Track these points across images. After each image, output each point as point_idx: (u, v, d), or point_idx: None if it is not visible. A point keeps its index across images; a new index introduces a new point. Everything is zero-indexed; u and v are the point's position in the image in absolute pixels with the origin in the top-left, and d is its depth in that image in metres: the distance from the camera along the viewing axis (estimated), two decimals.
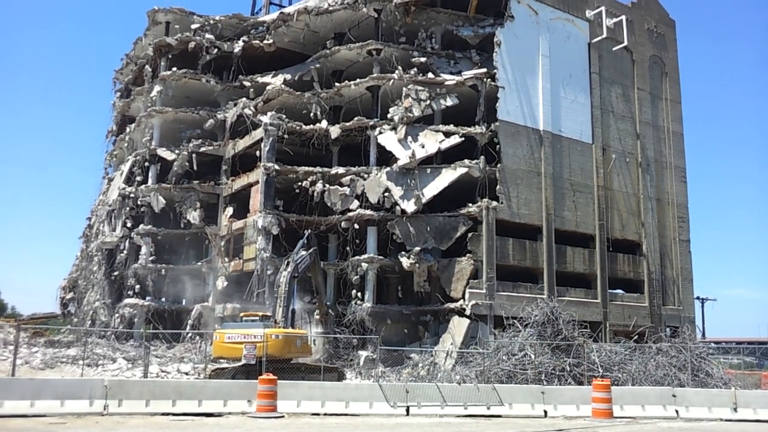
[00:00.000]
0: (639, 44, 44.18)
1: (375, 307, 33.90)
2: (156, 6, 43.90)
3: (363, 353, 30.95)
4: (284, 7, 54.03)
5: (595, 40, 41.32)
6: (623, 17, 42.18)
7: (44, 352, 31.29)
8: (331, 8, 38.92)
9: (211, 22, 43.12)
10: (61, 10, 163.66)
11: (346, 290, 34.92)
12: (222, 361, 24.66)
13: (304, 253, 27.45)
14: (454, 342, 31.42)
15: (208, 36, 42.40)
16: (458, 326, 32.54)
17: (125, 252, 41.57)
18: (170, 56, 42.84)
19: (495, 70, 36.80)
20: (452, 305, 33.41)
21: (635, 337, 32.67)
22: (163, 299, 40.59)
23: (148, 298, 39.54)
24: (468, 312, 32.68)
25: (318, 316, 32.12)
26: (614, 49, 42.24)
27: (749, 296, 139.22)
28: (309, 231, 29.09)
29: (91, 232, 50.27)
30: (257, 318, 25.44)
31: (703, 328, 58.21)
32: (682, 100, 46.23)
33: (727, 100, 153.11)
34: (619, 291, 40.56)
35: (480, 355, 25.59)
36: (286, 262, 27.14)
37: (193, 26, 42.86)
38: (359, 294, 34.22)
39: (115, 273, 42.31)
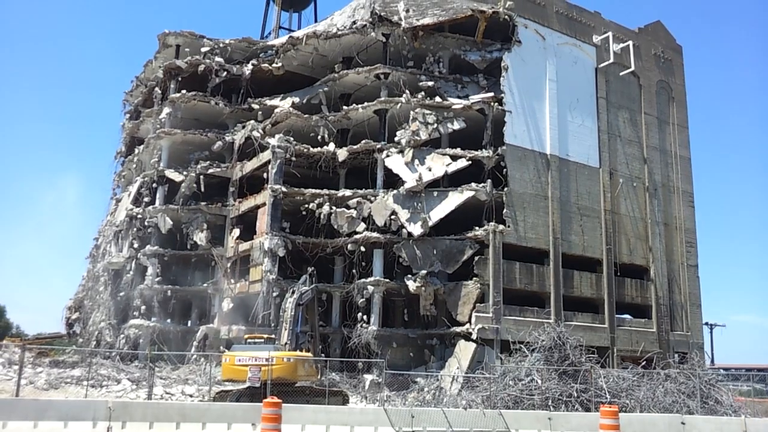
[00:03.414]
0: (646, 69, 44.35)
1: (381, 331, 33.74)
2: (167, 29, 44.47)
3: (368, 377, 30.74)
4: (293, 31, 54.74)
5: (602, 65, 41.52)
6: (630, 43, 42.41)
7: (49, 372, 31.19)
8: (339, 33, 39.30)
9: (221, 45, 43.58)
10: (74, 33, 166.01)
11: (352, 313, 34.78)
12: (228, 383, 24.51)
13: (307, 288, 27.50)
14: (460, 366, 31.20)
15: (217, 59, 42.84)
16: (464, 350, 32.32)
17: (131, 273, 41.60)
18: (180, 79, 43.27)
19: (502, 95, 36.97)
20: (458, 329, 33.22)
21: (643, 363, 32.38)
22: (169, 320, 40.54)
23: (153, 319, 39.50)
24: (474, 336, 32.48)
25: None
26: (621, 74, 42.42)
27: (758, 322, 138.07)
28: (311, 268, 29.05)
29: (97, 253, 50.43)
30: (262, 340, 25.32)
31: (712, 354, 57.73)
32: (689, 125, 46.31)
33: (734, 125, 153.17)
34: (627, 316, 40.27)
35: (486, 380, 25.37)
36: (291, 290, 27.25)
37: (203, 49, 43.31)
38: (365, 317, 34.09)
39: (121, 293, 42.32)
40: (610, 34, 41.82)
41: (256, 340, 25.48)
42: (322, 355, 31.97)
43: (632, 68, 42.30)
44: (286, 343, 24.81)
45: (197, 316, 40.79)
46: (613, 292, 38.66)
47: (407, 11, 37.98)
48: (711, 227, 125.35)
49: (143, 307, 39.63)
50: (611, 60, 41.48)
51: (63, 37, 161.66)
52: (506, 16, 38.06)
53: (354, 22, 38.93)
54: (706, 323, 45.79)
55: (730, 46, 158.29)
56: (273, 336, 26.03)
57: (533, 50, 38.84)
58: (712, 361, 56.24)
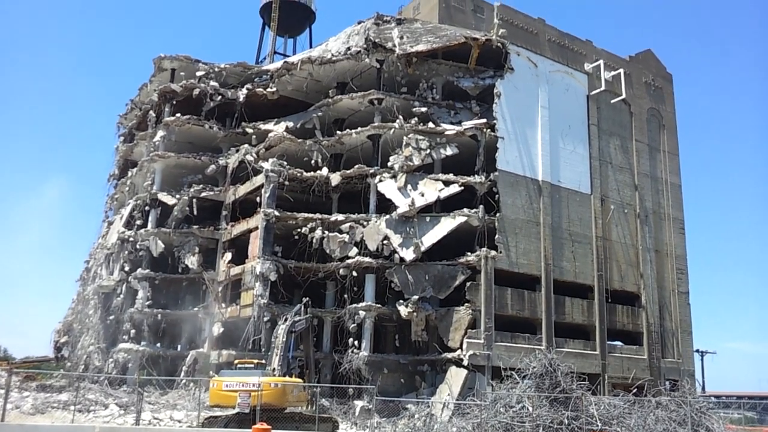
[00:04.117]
0: (637, 97, 44.86)
1: (372, 356, 33.59)
2: (162, 53, 44.79)
3: (359, 403, 30.52)
4: (288, 56, 55.17)
5: (593, 92, 41.99)
6: (621, 71, 42.96)
7: (35, 396, 30.86)
8: (334, 58, 39.65)
9: (216, 69, 43.87)
10: (67, 57, 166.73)
11: (343, 338, 34.63)
12: (217, 409, 24.30)
13: (301, 318, 27.43)
14: (451, 393, 31.02)
15: (212, 83, 43.09)
16: (455, 377, 32.17)
17: (122, 296, 41.33)
18: (174, 102, 43.45)
19: (495, 121, 37.29)
20: (450, 355, 33.10)
21: (634, 390, 32.24)
22: (158, 345, 40.22)
23: (143, 343, 39.17)
24: (466, 362, 32.36)
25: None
26: (613, 101, 42.89)
27: (749, 350, 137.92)
28: (306, 299, 29.02)
29: (88, 276, 50.16)
30: (252, 365, 25.19)
31: (703, 381, 57.66)
32: (680, 152, 46.76)
33: (725, 152, 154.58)
34: (618, 343, 40.21)
35: (477, 406, 25.21)
36: (284, 317, 27.19)
37: (198, 73, 43.58)
38: (356, 342, 33.94)
39: (111, 317, 41.99)
40: (601, 62, 42.36)
41: (246, 366, 25.35)
42: (315, 381, 31.74)
43: (623, 96, 42.80)
44: (275, 369, 24.67)
45: (187, 341, 40.45)
46: (604, 318, 38.68)
47: (401, 38, 38.41)
48: (701, 254, 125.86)
49: (133, 331, 39.32)
50: (602, 87, 41.98)
51: (57, 61, 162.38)
52: (499, 44, 38.53)
53: (348, 48, 39.30)
54: (697, 350, 45.89)
55: (720, 73, 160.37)
56: (263, 361, 25.89)
57: (526, 77, 39.26)
58: (703, 388, 56.15)
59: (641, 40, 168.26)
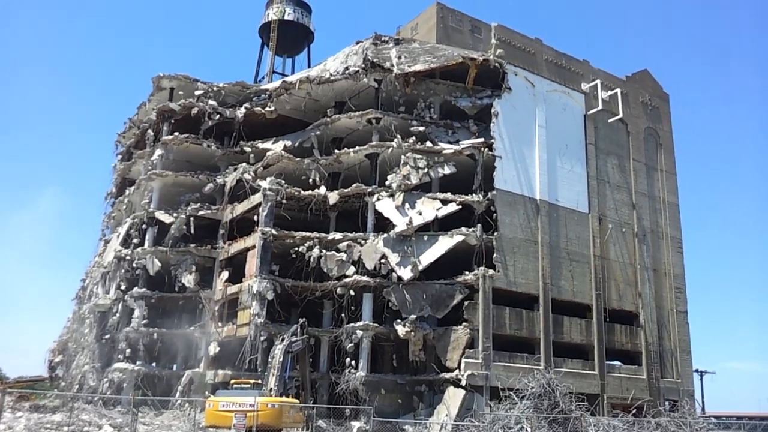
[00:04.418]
0: (634, 116, 45.05)
1: (369, 376, 33.33)
2: (161, 72, 44.93)
3: (356, 424, 30.22)
4: (287, 75, 55.42)
5: (590, 111, 42.16)
6: (618, 90, 43.19)
7: (29, 417, 30.46)
8: (332, 78, 39.79)
9: (215, 88, 43.98)
10: (65, 74, 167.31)
11: (340, 358, 34.39)
12: (212, 430, 24.05)
13: (297, 338, 27.28)
14: (449, 414, 30.76)
15: (211, 102, 43.18)
16: (453, 397, 31.90)
17: (118, 315, 41.07)
18: (173, 121, 43.48)
19: (492, 140, 37.37)
20: (448, 375, 32.85)
21: (634, 411, 32.08)
22: (154, 364, 39.88)
23: (138, 362, 38.83)
24: (464, 382, 32.12)
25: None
26: (610, 120, 43.06)
27: (749, 369, 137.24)
28: (303, 319, 28.88)
29: (84, 294, 49.86)
30: (248, 386, 24.99)
31: (703, 401, 57.23)
32: (677, 171, 46.87)
33: (722, 171, 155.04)
34: (617, 362, 39.98)
35: (476, 428, 25.02)
36: (281, 337, 27.04)
37: (197, 92, 43.67)
38: (353, 362, 33.70)
39: (107, 336, 41.71)
40: (598, 81, 42.59)
41: (243, 386, 25.16)
42: (311, 402, 31.50)
43: (620, 115, 43.00)
44: (271, 389, 24.47)
45: (183, 360, 40.15)
46: (602, 338, 38.48)
47: (399, 58, 38.60)
48: (700, 273, 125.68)
49: (128, 350, 39.01)
50: (600, 107, 42.17)
51: (56, 79, 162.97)
52: (496, 64, 38.73)
53: (347, 68, 39.46)
54: (697, 370, 45.57)
55: (717, 92, 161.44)
56: (260, 381, 25.68)
57: (523, 97, 39.43)
58: (703, 409, 55.72)
59: (638, 60, 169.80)
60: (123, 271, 41.45)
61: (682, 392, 40.77)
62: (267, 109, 42.39)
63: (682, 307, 43.71)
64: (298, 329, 28.07)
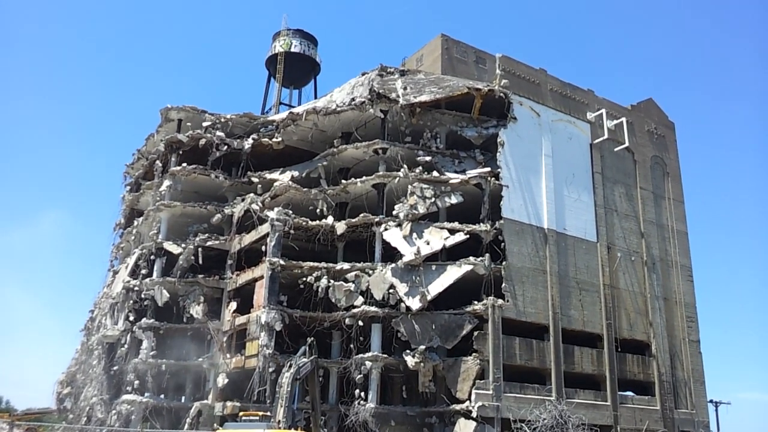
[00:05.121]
0: (640, 145, 45.14)
1: (379, 408, 33.01)
2: (169, 104, 45.36)
3: None
4: (294, 107, 55.93)
5: (596, 140, 42.27)
6: (623, 119, 43.33)
7: None
8: (339, 109, 40.13)
9: (222, 120, 44.37)
10: (73, 106, 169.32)
11: (349, 390, 34.10)
12: None
13: (306, 360, 27.09)
14: None
15: (218, 133, 43.52)
16: (464, 429, 31.55)
17: (126, 346, 40.94)
18: (181, 152, 43.78)
19: (499, 170, 37.47)
20: (458, 407, 32.51)
21: None
22: (162, 396, 39.64)
23: (147, 394, 38.59)
24: (474, 414, 31.76)
25: None
26: (616, 149, 43.13)
27: (765, 399, 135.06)
28: (311, 339, 28.73)
29: (92, 325, 49.80)
30: (257, 418, 24.80)
31: None
32: (685, 200, 46.76)
33: (730, 199, 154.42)
34: (630, 393, 39.51)
35: None
36: (288, 364, 26.81)
37: (205, 124, 44.06)
38: (362, 394, 33.41)
39: (115, 368, 41.55)
40: (603, 111, 42.76)
41: (251, 418, 24.98)
42: (323, 429, 31.25)
43: (626, 144, 43.08)
44: (279, 421, 24.23)
45: (192, 392, 39.90)
46: (614, 368, 38.06)
47: (405, 89, 38.93)
48: (712, 302, 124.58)
49: (137, 382, 38.79)
50: (605, 136, 42.27)
51: (63, 110, 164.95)
52: (501, 94, 39.00)
53: (353, 99, 39.82)
54: (711, 401, 44.77)
55: (723, 121, 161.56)
56: (268, 413, 25.46)
57: (529, 126, 39.62)
58: None
59: (642, 89, 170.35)
60: (131, 301, 41.40)
61: (696, 423, 40.19)
62: (274, 140, 42.71)
63: (695, 336, 43.27)
64: (306, 350, 27.82)
